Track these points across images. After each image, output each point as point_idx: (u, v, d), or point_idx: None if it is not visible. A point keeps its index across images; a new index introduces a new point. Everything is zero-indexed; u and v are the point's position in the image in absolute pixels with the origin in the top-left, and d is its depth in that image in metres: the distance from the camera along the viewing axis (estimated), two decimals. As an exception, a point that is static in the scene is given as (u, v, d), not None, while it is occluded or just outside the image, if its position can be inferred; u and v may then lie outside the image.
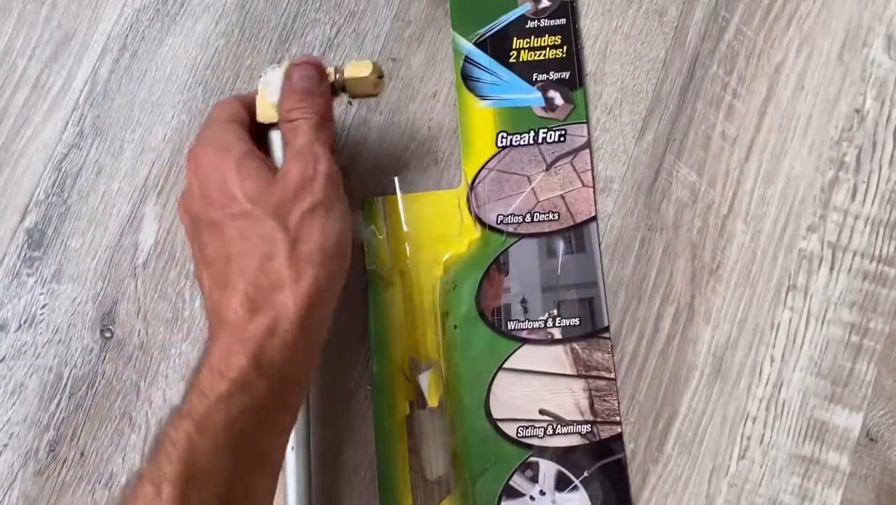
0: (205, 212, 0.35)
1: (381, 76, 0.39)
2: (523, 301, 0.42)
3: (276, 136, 0.38)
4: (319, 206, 0.34)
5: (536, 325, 0.42)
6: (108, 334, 0.43)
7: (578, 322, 0.42)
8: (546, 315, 0.42)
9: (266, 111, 0.38)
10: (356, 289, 0.43)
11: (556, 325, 0.42)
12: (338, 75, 0.39)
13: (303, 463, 0.37)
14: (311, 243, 0.33)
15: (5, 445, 0.42)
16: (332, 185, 0.35)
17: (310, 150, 0.35)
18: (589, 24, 0.45)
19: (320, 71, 0.38)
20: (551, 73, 0.44)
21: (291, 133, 0.36)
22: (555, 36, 0.45)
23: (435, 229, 0.43)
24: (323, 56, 0.46)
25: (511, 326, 0.42)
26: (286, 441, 0.34)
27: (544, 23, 0.45)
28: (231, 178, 0.34)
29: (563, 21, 0.45)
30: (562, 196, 0.43)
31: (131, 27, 0.47)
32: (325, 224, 0.34)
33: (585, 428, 0.41)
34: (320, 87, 0.37)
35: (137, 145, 0.46)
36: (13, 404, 0.43)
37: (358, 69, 0.39)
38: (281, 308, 0.32)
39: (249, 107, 0.38)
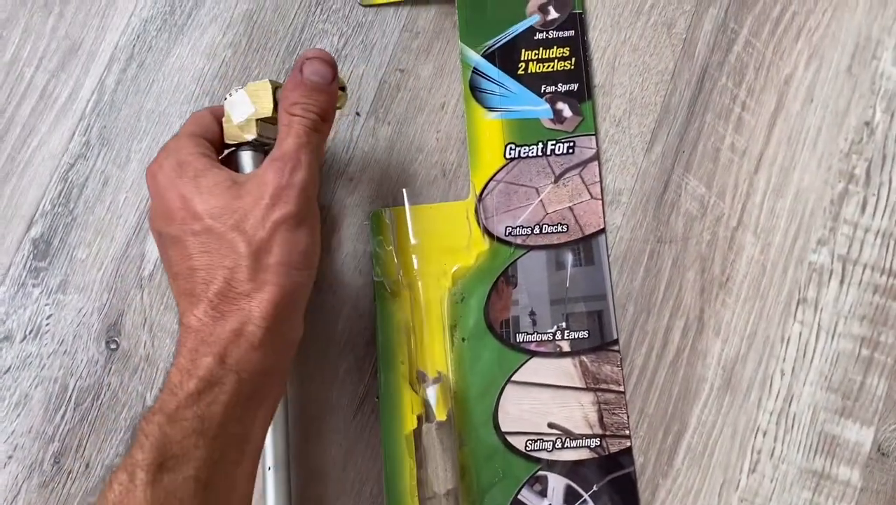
0: (166, 227, 0.35)
1: (342, 88, 0.39)
2: (532, 313, 0.42)
3: (245, 156, 0.38)
4: (289, 219, 0.34)
5: (545, 337, 0.42)
6: (113, 345, 0.43)
7: (587, 335, 0.42)
8: (555, 328, 0.42)
9: (232, 132, 0.38)
10: (364, 300, 0.43)
11: (565, 337, 0.42)
12: None
13: (282, 483, 0.38)
14: (277, 255, 0.33)
15: (10, 457, 0.42)
16: (304, 198, 0.34)
17: (294, 155, 0.35)
18: (597, 36, 0.45)
19: (334, 68, 0.37)
20: (560, 85, 0.44)
21: (285, 129, 0.36)
22: (563, 48, 0.45)
23: (443, 241, 0.43)
24: (331, 67, 0.46)
25: (519, 338, 0.42)
26: (263, 430, 0.34)
27: (553, 34, 0.45)
28: (190, 194, 0.34)
29: (572, 33, 0.45)
30: (570, 208, 0.43)
31: (138, 37, 0.47)
32: (293, 237, 0.34)
33: (594, 442, 0.40)
34: (331, 85, 0.37)
35: (144, 155, 0.45)
36: (18, 416, 0.42)
37: None
38: (246, 314, 0.32)
39: (220, 118, 0.38)
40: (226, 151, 0.39)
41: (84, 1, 0.48)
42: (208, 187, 0.34)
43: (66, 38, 0.47)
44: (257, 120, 0.37)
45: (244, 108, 0.37)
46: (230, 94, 0.38)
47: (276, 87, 0.37)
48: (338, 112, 0.39)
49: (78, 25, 0.47)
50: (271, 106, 0.37)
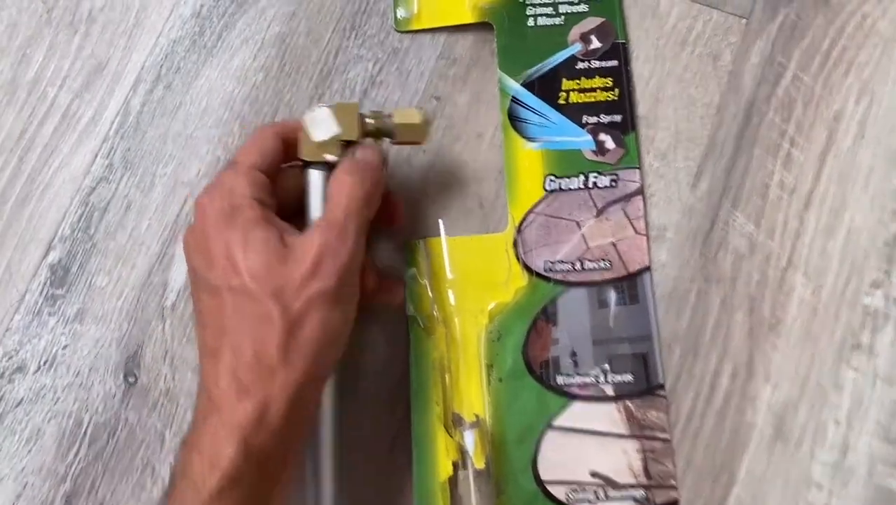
0: (205, 272, 0.34)
1: (429, 123, 0.39)
2: (573, 354, 0.40)
3: (314, 176, 0.37)
4: (327, 295, 0.33)
5: (587, 380, 0.40)
6: (132, 379, 0.41)
7: (632, 378, 0.40)
8: (597, 370, 0.40)
9: (309, 149, 0.37)
10: (397, 336, 0.41)
11: (608, 381, 0.39)
12: (387, 119, 0.38)
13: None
14: (309, 332, 0.33)
15: (18, 496, 0.40)
16: (346, 274, 0.33)
17: (341, 224, 0.34)
18: (641, 67, 0.44)
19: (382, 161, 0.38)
20: (602, 116, 0.43)
21: (337, 187, 0.35)
22: (606, 78, 0.43)
23: (480, 275, 0.41)
24: (365, 94, 0.44)
25: (560, 380, 0.40)
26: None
27: (595, 64, 0.44)
28: (235, 245, 0.33)
29: (615, 63, 0.43)
30: (613, 244, 0.41)
31: (166, 58, 0.46)
32: (329, 315, 0.33)
33: (639, 492, 0.38)
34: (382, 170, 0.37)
35: (169, 180, 0.44)
36: (29, 452, 0.40)
37: (408, 116, 0.38)
38: (269, 395, 0.32)
39: (288, 138, 0.37)
40: (289, 164, 0.38)
41: (111, 20, 0.46)
42: (256, 245, 0.33)
43: (92, 57, 0.46)
44: (340, 141, 0.36)
45: (329, 127, 0.36)
46: (312, 110, 0.37)
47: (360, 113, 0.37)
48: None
49: (104, 45, 0.46)
50: (357, 129, 0.36)
